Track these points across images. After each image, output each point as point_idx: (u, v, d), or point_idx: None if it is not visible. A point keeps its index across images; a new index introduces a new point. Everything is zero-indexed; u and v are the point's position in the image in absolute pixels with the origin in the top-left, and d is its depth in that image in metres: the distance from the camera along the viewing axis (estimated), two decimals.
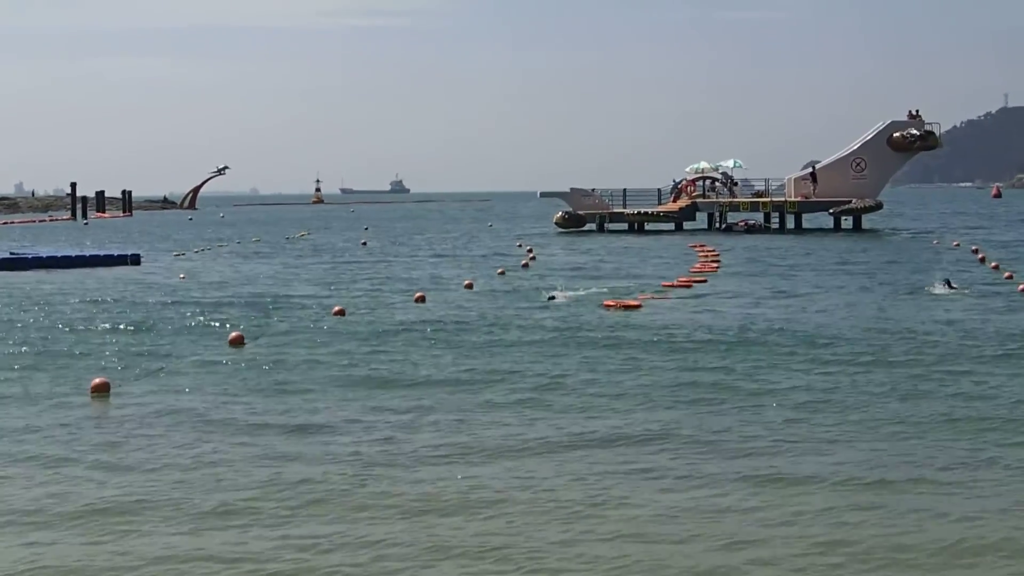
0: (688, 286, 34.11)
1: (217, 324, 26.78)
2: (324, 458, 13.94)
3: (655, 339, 23.09)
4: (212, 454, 14.22)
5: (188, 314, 29.06)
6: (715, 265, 42.11)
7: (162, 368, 20.51)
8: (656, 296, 31.69)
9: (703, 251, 49.37)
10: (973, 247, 48.39)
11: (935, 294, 31.31)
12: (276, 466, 13.59)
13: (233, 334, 23.85)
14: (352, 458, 13.89)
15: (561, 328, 25.01)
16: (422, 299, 31.52)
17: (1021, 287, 32.11)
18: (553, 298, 30.48)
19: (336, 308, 28.57)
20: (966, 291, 31.72)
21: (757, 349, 21.81)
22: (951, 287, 32.03)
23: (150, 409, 16.90)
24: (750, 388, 17.90)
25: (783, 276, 38.09)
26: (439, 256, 53.40)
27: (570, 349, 22.10)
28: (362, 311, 28.90)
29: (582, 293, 31.99)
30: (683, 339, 23.13)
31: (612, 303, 29.06)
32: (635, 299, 29.95)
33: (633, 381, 18.59)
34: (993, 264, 40.20)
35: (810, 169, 73.01)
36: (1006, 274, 36.24)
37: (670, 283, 34.86)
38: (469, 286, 35.56)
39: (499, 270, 41.44)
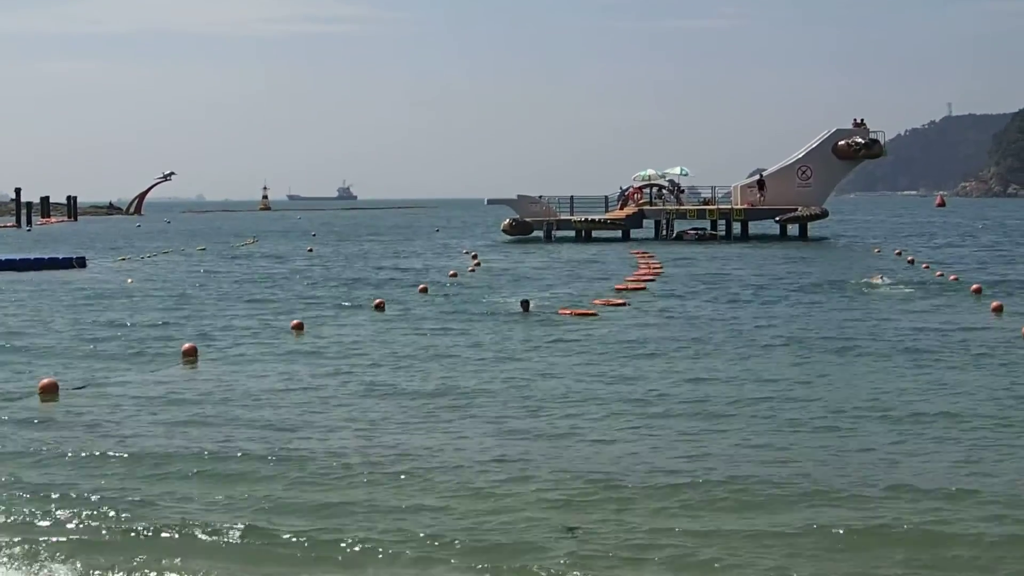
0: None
1: (163, 333, 26.78)
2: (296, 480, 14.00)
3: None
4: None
5: (134, 319, 29.12)
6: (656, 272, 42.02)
7: (107, 377, 20.53)
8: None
9: (644, 260, 49.08)
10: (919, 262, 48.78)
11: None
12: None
13: (185, 346, 23.18)
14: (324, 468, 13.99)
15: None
16: (381, 306, 31.19)
17: (974, 287, 33.92)
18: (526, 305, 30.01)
19: (294, 322, 27.59)
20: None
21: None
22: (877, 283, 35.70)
23: (91, 414, 16.90)
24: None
25: (724, 289, 38.25)
26: (388, 263, 53.44)
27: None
28: (318, 323, 28.16)
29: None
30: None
31: (567, 311, 29.19)
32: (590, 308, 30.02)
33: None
34: (938, 273, 40.82)
35: (758, 176, 73.60)
36: (952, 276, 37.23)
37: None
38: (424, 290, 36.17)
39: (451, 272, 41.95)
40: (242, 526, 11.37)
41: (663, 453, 14.16)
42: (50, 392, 18.43)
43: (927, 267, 44.31)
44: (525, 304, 29.73)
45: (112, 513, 11.87)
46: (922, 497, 12.14)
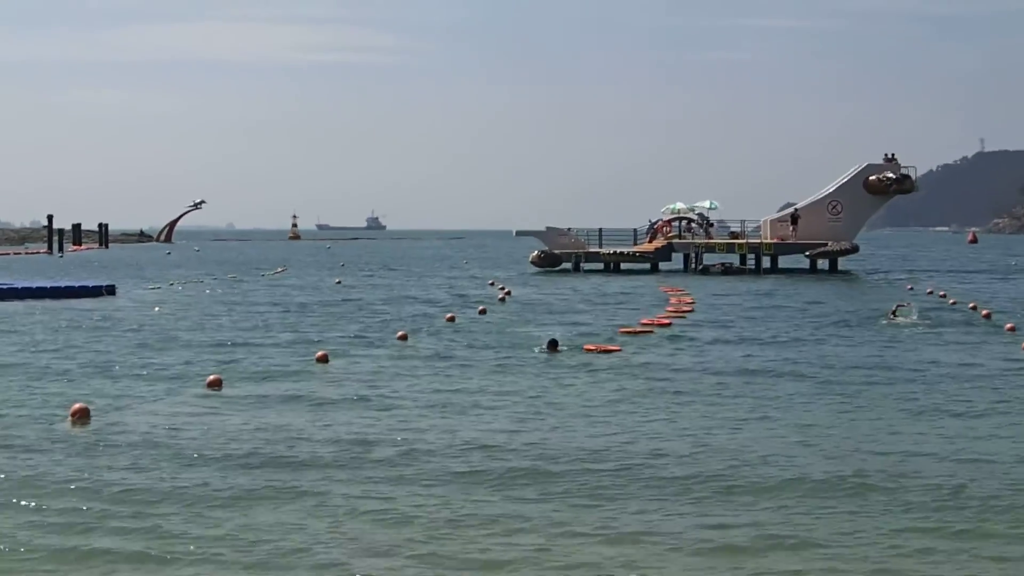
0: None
1: (189, 361, 26.77)
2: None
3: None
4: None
5: (161, 348, 29.18)
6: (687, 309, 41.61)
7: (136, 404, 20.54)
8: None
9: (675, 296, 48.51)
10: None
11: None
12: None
13: (211, 377, 23.07)
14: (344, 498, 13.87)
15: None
16: (404, 338, 31.19)
17: (1008, 326, 33.89)
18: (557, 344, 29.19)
19: (319, 353, 27.22)
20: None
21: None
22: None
23: (123, 440, 16.85)
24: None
25: (750, 320, 38.19)
26: (416, 294, 53.41)
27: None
28: (344, 355, 27.90)
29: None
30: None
31: (593, 347, 28.83)
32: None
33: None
34: (971, 305, 40.82)
35: (791, 210, 73.22)
36: (984, 312, 38.24)
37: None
38: (451, 319, 36.80)
39: (480, 308, 41.66)
40: (260, 555, 11.31)
41: (705, 506, 14.00)
42: (81, 417, 18.56)
43: (954, 302, 43.98)
44: (553, 344, 28.80)
45: (140, 538, 11.82)
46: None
